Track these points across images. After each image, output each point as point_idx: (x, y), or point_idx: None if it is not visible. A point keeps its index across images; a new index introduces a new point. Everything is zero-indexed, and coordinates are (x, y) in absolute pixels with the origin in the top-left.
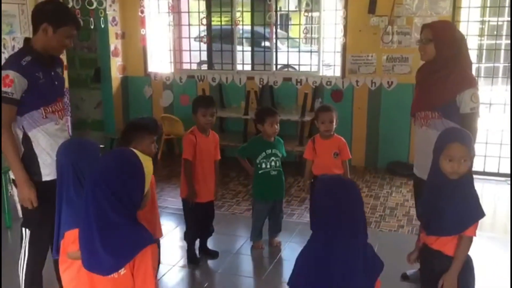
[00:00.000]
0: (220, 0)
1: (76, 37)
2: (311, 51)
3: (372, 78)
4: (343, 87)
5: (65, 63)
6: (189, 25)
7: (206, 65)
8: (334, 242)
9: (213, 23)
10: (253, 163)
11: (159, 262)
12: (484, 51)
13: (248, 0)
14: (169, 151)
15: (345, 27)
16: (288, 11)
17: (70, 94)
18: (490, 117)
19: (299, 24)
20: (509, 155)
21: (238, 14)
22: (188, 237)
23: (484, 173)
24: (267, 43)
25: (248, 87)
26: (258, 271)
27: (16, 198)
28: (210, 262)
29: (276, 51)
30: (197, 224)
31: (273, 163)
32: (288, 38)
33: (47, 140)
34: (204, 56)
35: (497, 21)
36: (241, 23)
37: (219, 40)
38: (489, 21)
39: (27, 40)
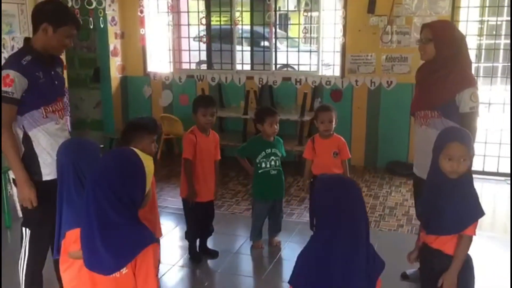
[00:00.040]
0: (220, 0)
1: (75, 36)
2: (310, 51)
3: (371, 78)
4: (343, 87)
5: (64, 63)
6: (188, 24)
7: (205, 65)
8: (334, 242)
9: (212, 23)
10: (253, 163)
11: (159, 262)
12: (483, 51)
13: (248, 0)
14: (168, 151)
15: (344, 26)
16: (288, 11)
17: (70, 94)
18: (489, 117)
19: (299, 24)
20: (508, 155)
21: (237, 14)
22: (189, 236)
23: (483, 173)
24: (266, 43)
25: (248, 87)
26: (258, 271)
27: (16, 198)
28: (210, 262)
29: (276, 51)
30: (197, 224)
31: (272, 163)
32: (287, 38)
33: (47, 139)
34: (204, 56)
35: (496, 20)
36: (240, 23)
37: (219, 40)
38: (488, 20)
39: (27, 40)
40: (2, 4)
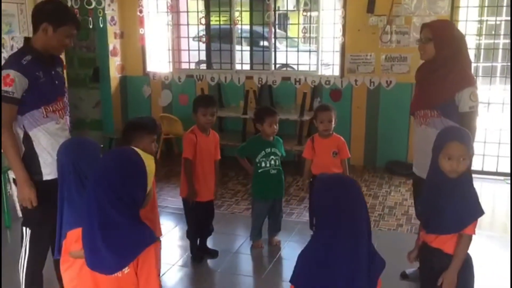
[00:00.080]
0: (219, 0)
1: (75, 36)
2: (309, 51)
3: (370, 78)
4: (342, 87)
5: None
6: (187, 24)
7: (204, 65)
8: (334, 242)
9: (211, 22)
10: (253, 163)
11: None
12: (482, 51)
13: (247, 0)
14: (168, 151)
15: (343, 26)
16: (287, 10)
17: (69, 94)
18: (488, 117)
19: (298, 24)
20: (507, 154)
21: (236, 14)
22: (190, 236)
23: (482, 172)
24: (265, 43)
25: (247, 87)
26: (258, 270)
27: (15, 198)
28: (209, 262)
29: (275, 51)
30: (197, 223)
31: (272, 162)
32: (286, 37)
33: (48, 139)
34: (203, 56)
35: (495, 20)
36: (239, 22)
37: (218, 39)
38: (487, 20)
39: (27, 40)
40: (2, 4)
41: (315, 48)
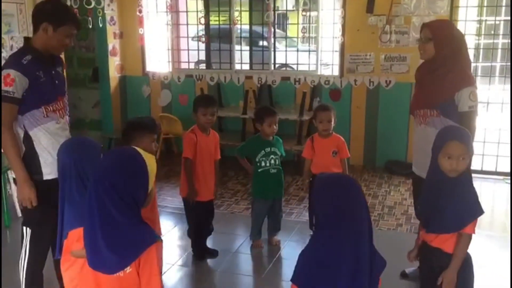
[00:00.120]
0: None
1: (75, 36)
2: (309, 51)
3: (370, 77)
4: (341, 86)
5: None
6: (187, 24)
7: (204, 65)
8: (334, 242)
9: (211, 22)
10: (252, 162)
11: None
12: (481, 51)
13: None
14: (167, 151)
15: (343, 26)
16: (286, 10)
17: (68, 94)
18: (487, 116)
19: (297, 24)
20: (506, 154)
21: (236, 14)
22: (191, 234)
23: (482, 172)
24: (265, 43)
25: (247, 87)
26: (258, 270)
27: (15, 198)
28: (209, 261)
29: (274, 51)
30: (197, 223)
31: (272, 161)
32: (286, 37)
33: (48, 139)
34: (202, 56)
35: (495, 20)
36: (239, 22)
37: (217, 39)
38: (486, 20)
39: (27, 39)
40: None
41: (314, 48)
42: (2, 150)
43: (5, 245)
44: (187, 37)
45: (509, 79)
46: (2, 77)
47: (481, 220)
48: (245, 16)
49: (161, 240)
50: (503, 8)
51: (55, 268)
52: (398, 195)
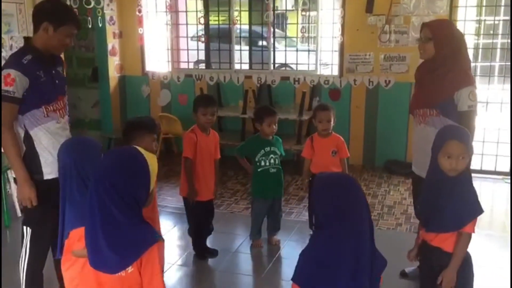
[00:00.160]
0: None
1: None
2: (308, 50)
3: (369, 77)
4: (341, 86)
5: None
6: (186, 24)
7: (203, 64)
8: (334, 241)
9: (210, 22)
10: (252, 162)
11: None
12: (481, 50)
13: None
14: (167, 150)
15: (342, 26)
16: (286, 10)
17: (68, 94)
18: (487, 116)
19: (297, 24)
20: (505, 154)
21: (235, 14)
22: (192, 233)
23: (481, 171)
24: (264, 43)
25: (246, 86)
26: (257, 269)
27: (15, 198)
28: (209, 261)
29: (274, 50)
30: (197, 223)
31: (272, 161)
32: (285, 37)
33: (48, 138)
34: (202, 55)
35: (494, 20)
36: (238, 22)
37: (217, 39)
38: (485, 20)
39: (27, 39)
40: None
41: (314, 48)
42: (2, 150)
43: (5, 245)
44: (187, 37)
45: (508, 79)
46: (3, 77)
47: (481, 219)
48: (245, 16)
49: (163, 240)
50: (502, 8)
51: (55, 268)
52: (397, 194)
